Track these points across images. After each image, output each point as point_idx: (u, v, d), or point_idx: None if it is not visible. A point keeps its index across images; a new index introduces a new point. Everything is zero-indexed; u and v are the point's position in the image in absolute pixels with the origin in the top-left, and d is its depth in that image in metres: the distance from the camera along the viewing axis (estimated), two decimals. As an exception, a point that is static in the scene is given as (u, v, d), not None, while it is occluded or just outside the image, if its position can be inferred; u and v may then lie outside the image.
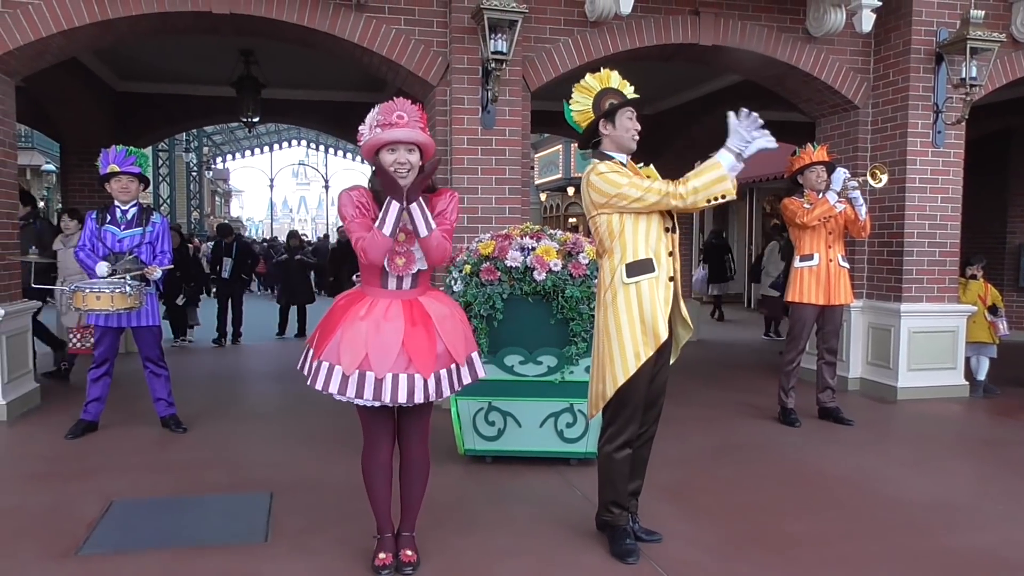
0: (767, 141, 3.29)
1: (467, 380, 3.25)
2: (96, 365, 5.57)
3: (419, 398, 3.07)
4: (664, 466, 4.58)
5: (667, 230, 3.49)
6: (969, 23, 6.52)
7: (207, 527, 3.96)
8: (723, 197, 3.33)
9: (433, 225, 3.06)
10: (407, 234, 3.11)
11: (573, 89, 3.57)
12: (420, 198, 3.04)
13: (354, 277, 3.41)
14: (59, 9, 5.84)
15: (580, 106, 3.55)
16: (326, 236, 31.26)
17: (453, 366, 3.18)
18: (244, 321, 11.19)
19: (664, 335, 3.41)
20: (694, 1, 6.90)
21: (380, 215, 3.01)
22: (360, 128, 3.12)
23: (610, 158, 3.50)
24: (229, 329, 11.01)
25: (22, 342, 6.36)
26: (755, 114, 3.28)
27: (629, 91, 3.57)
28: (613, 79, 3.56)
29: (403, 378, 3.04)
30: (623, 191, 3.36)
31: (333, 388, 3.05)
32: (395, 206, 2.99)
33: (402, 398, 3.04)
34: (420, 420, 3.32)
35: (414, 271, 3.16)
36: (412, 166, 3.06)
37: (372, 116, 3.07)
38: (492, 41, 5.94)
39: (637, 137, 3.52)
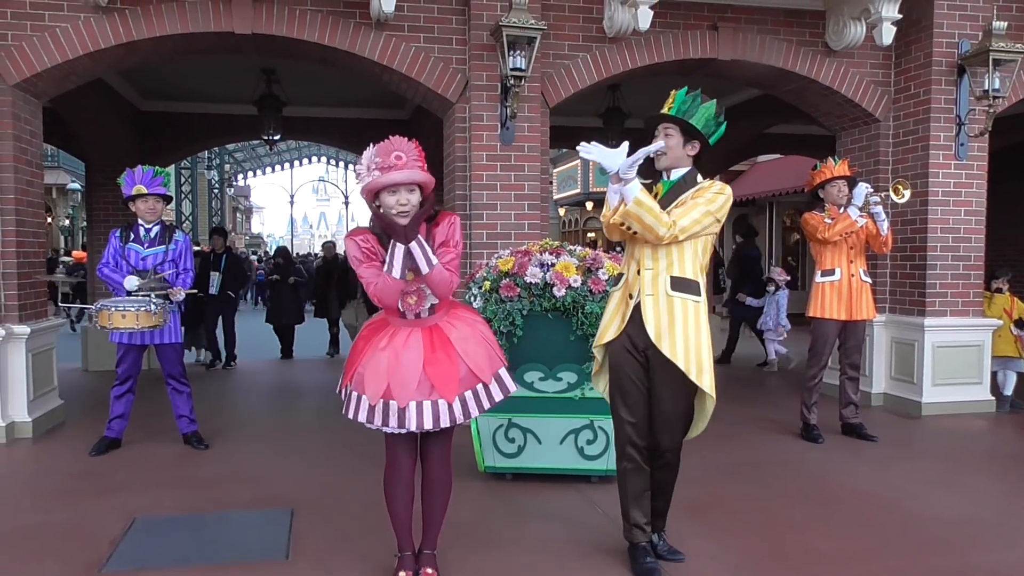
0: (614, 160, 3.24)
1: (498, 397, 3.28)
2: (119, 382, 5.62)
3: (444, 422, 3.12)
4: (685, 483, 4.53)
5: (647, 246, 3.45)
6: (991, 34, 6.47)
7: (228, 544, 3.98)
8: (623, 225, 3.35)
9: (434, 261, 3.04)
10: (415, 272, 3.11)
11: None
12: (419, 235, 3.03)
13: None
14: (85, 31, 5.94)
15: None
16: (308, 254, 31.10)
17: (479, 386, 3.20)
18: (237, 341, 10.28)
19: (598, 341, 3.62)
20: (712, 16, 6.91)
21: (387, 259, 3.02)
22: (357, 168, 3.09)
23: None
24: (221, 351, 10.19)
25: (47, 359, 6.43)
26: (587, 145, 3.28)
27: (667, 104, 3.62)
28: (668, 101, 3.62)
29: (427, 405, 3.09)
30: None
31: (362, 417, 3.15)
32: (400, 248, 3.00)
33: (427, 424, 3.10)
34: (442, 441, 3.33)
35: (427, 306, 3.18)
36: (413, 205, 3.04)
37: (368, 157, 3.01)
38: (511, 58, 5.97)
39: (665, 153, 3.53)
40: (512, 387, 3.36)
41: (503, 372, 3.33)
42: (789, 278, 9.88)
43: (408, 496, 3.34)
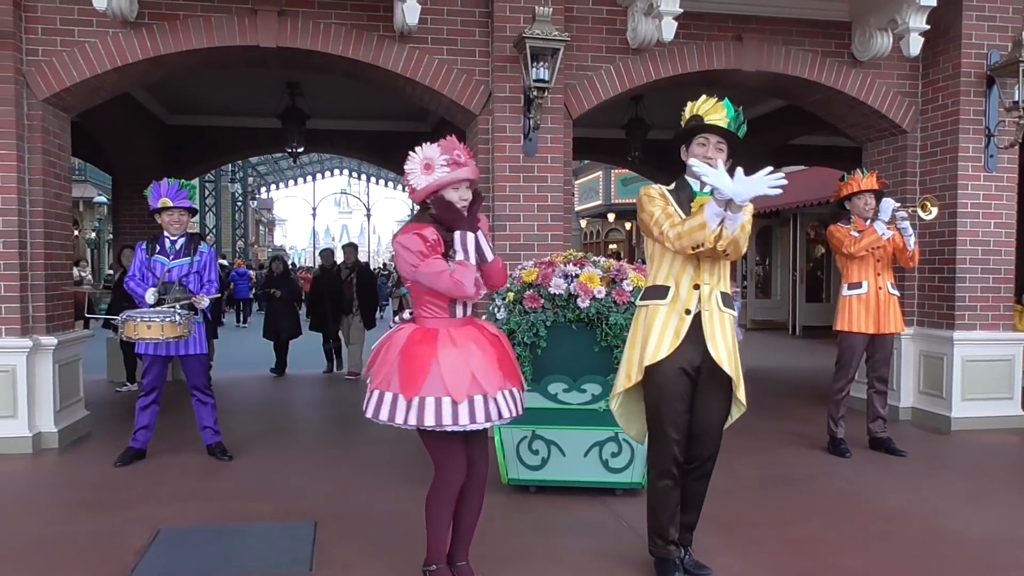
0: (750, 189, 3.05)
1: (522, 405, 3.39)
2: (144, 393, 5.65)
3: (520, 411, 3.26)
4: (712, 497, 4.46)
5: (699, 261, 3.40)
6: (1021, 45, 6.39)
7: (252, 556, 3.97)
8: (703, 246, 3.23)
9: (488, 255, 3.24)
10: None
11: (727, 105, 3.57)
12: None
13: (405, 314, 3.40)
14: (114, 46, 6.02)
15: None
16: (294, 265, 29.54)
17: (515, 390, 3.32)
18: (216, 359, 8.96)
19: (647, 361, 3.39)
20: (737, 27, 6.88)
21: (459, 248, 3.12)
22: (409, 166, 3.15)
23: (678, 183, 3.55)
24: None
25: (73, 371, 6.48)
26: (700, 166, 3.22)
27: (719, 116, 3.50)
28: (704, 106, 3.53)
29: (507, 394, 3.21)
30: (643, 217, 3.47)
31: (447, 420, 3.07)
32: (470, 237, 3.14)
33: (513, 412, 3.23)
34: (487, 441, 3.41)
35: (483, 293, 3.26)
36: (468, 201, 3.21)
37: (431, 155, 3.10)
38: (534, 69, 5.98)
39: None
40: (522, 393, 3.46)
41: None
42: (739, 289, 9.79)
43: (454, 507, 3.34)
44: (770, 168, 3.06)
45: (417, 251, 3.09)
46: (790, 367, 11.41)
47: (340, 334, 10.58)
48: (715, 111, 3.50)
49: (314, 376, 10.46)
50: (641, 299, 3.54)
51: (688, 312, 3.40)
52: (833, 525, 4.41)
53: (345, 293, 10.25)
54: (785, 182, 3.04)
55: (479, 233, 3.19)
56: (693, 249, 3.26)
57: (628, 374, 3.51)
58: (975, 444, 6.37)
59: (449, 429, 3.08)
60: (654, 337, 3.40)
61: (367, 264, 11.70)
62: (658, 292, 3.46)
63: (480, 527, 3.72)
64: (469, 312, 3.29)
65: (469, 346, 3.16)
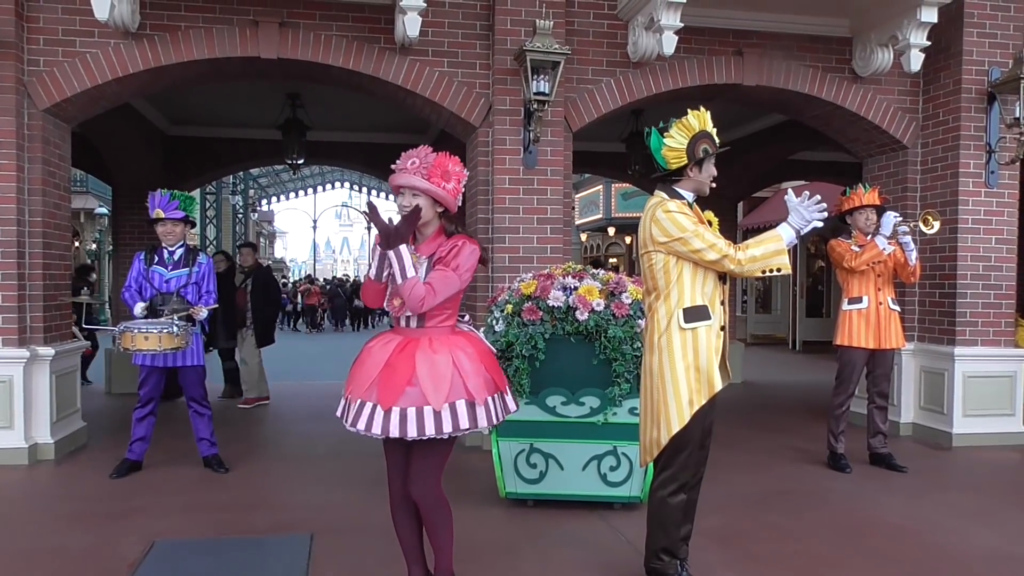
0: (820, 220, 3.37)
1: (429, 429, 2.99)
2: (141, 405, 5.62)
3: (377, 430, 3.00)
4: (711, 512, 4.46)
5: (721, 279, 3.46)
6: (1022, 62, 6.40)
7: (247, 569, 3.94)
8: (779, 270, 3.34)
9: (411, 273, 2.97)
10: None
11: (673, 125, 3.42)
12: (407, 245, 2.99)
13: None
14: (115, 57, 6.02)
15: (677, 144, 3.40)
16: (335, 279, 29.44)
17: (415, 408, 3.00)
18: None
19: (719, 385, 3.36)
20: (738, 42, 6.90)
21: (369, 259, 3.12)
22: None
23: (681, 197, 3.46)
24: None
25: (71, 381, 6.46)
26: (817, 196, 3.35)
27: (713, 133, 3.52)
28: (708, 122, 3.48)
29: (367, 406, 3.05)
30: (686, 237, 3.31)
31: (338, 413, 3.18)
32: (378, 251, 3.08)
33: (361, 426, 3.04)
34: (420, 458, 3.16)
35: (409, 315, 3.14)
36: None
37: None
38: (534, 82, 5.98)
39: (714, 185, 3.53)
40: (480, 423, 3.10)
41: (465, 406, 3.06)
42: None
43: (405, 516, 3.28)
44: (814, 197, 3.35)
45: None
46: (790, 382, 11.37)
47: (238, 355, 8.98)
48: (712, 127, 3.51)
49: (333, 384, 10.24)
50: (686, 322, 3.35)
51: (723, 329, 3.44)
52: (833, 541, 4.37)
53: (238, 302, 8.71)
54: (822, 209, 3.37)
55: (391, 252, 2.96)
56: (763, 272, 3.34)
57: (691, 401, 3.34)
58: (976, 460, 6.34)
59: (348, 428, 3.10)
60: (714, 360, 3.37)
61: (268, 268, 9.66)
62: (700, 313, 3.37)
63: (476, 540, 3.69)
64: (416, 324, 3.13)
65: (372, 351, 3.15)
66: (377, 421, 3.00)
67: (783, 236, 3.31)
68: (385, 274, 3.11)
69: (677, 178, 3.47)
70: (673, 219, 3.32)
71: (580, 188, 23.18)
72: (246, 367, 8.83)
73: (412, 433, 2.98)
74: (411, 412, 2.99)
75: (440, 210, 3.15)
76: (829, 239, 6.17)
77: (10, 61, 5.78)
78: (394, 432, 2.99)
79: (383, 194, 29.72)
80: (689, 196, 3.47)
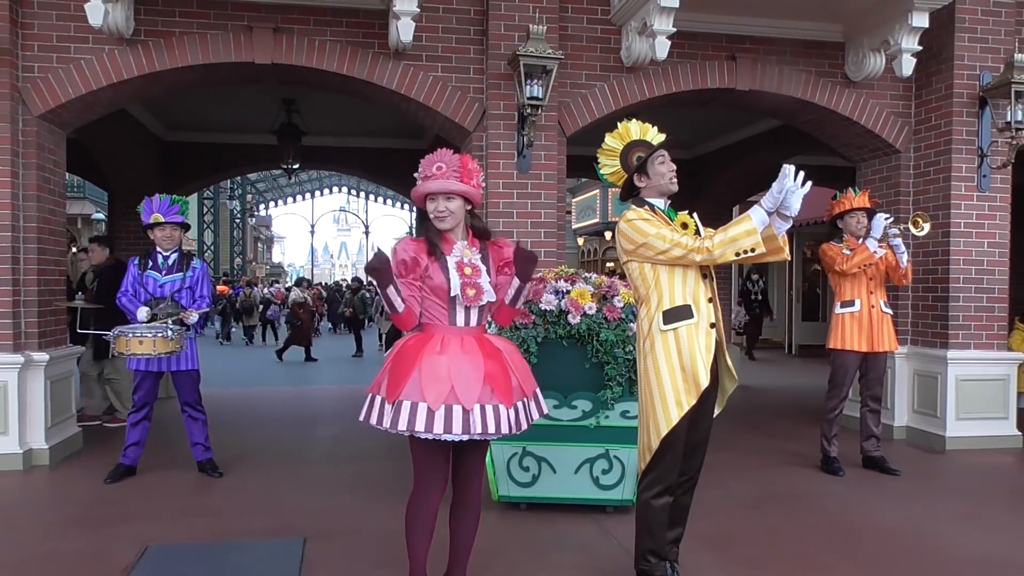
0: (796, 197, 3.26)
1: (535, 416, 3.24)
2: (136, 409, 5.63)
3: (505, 429, 3.05)
4: (703, 515, 4.47)
5: (704, 276, 3.46)
6: (1013, 67, 6.42)
7: (240, 573, 3.94)
8: (753, 250, 3.28)
9: (399, 308, 3.09)
10: (473, 268, 3.14)
11: (598, 154, 3.58)
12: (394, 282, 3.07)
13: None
14: (110, 63, 6.04)
15: (609, 168, 3.60)
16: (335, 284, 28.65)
17: (525, 400, 3.19)
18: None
19: (705, 382, 3.34)
20: (731, 47, 6.92)
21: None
22: (415, 175, 3.22)
23: (649, 205, 3.48)
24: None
25: (65, 387, 6.46)
26: (802, 174, 3.25)
27: (652, 133, 3.57)
28: (633, 130, 3.54)
29: (489, 409, 3.02)
30: (649, 241, 3.35)
31: (420, 426, 2.95)
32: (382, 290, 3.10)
33: (491, 429, 3.01)
34: (481, 458, 3.30)
35: (483, 303, 3.15)
36: (451, 212, 3.15)
37: (422, 163, 3.19)
38: (528, 87, 6.00)
39: (675, 178, 3.51)
40: (545, 408, 3.35)
41: (539, 392, 3.33)
42: None
43: (433, 522, 3.23)
44: (790, 169, 3.22)
45: (398, 262, 3.12)
46: (785, 385, 11.40)
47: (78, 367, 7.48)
48: (647, 129, 3.57)
49: (332, 388, 10.44)
50: (665, 324, 3.36)
51: (712, 326, 3.42)
52: (826, 544, 4.39)
53: (87, 301, 7.24)
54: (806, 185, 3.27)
55: (390, 288, 3.05)
56: (737, 255, 3.28)
57: (678, 402, 3.34)
58: (969, 464, 6.35)
59: (421, 436, 2.98)
60: (700, 359, 3.35)
61: (116, 262, 7.64)
62: (683, 312, 3.37)
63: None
64: (476, 321, 3.17)
65: (459, 355, 3.05)
66: (504, 420, 3.06)
67: (753, 217, 3.26)
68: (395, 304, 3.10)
69: (639, 189, 3.55)
70: (634, 226, 3.39)
71: (577, 192, 23.21)
72: (87, 379, 7.84)
73: (524, 424, 3.15)
74: (520, 405, 3.17)
75: (469, 208, 3.24)
76: (822, 244, 6.20)
77: (5, 67, 5.79)
78: (514, 428, 3.10)
79: (380, 199, 29.74)
80: (658, 202, 3.51)
